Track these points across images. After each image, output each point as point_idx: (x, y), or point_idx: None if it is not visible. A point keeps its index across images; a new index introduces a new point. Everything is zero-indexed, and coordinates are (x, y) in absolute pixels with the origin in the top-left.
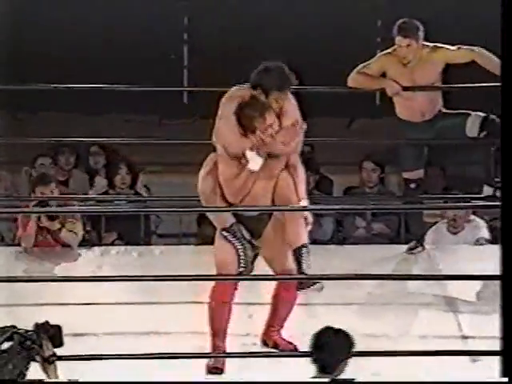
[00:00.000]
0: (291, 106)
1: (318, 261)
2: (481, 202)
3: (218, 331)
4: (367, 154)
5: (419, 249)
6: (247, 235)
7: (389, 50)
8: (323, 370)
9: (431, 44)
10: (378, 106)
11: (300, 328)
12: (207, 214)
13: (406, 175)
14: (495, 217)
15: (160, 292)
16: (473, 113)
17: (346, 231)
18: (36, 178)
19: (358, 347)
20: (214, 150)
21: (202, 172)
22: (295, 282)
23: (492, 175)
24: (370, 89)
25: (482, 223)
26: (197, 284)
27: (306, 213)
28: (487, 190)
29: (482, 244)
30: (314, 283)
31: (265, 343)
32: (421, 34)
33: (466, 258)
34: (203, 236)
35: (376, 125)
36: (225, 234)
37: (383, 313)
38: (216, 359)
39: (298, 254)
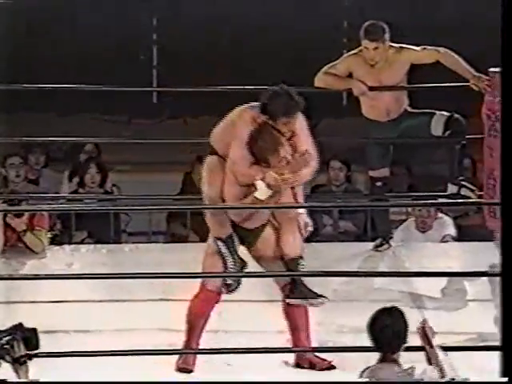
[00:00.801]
0: (302, 129)
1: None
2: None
3: (193, 338)
4: (334, 153)
5: (385, 246)
6: (238, 250)
7: (355, 51)
8: (385, 349)
9: (397, 45)
10: (345, 105)
11: (271, 325)
12: (207, 218)
13: (372, 174)
14: (460, 215)
15: (130, 289)
16: (437, 112)
17: (313, 229)
18: None
19: (325, 342)
20: (212, 152)
21: (207, 177)
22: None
23: (456, 174)
24: (337, 89)
25: (448, 221)
26: (166, 282)
27: (302, 223)
28: (452, 189)
29: (448, 241)
30: (317, 297)
31: (299, 365)
32: (387, 35)
33: (433, 255)
34: (172, 234)
35: (343, 124)
36: (219, 243)
37: (350, 309)
38: (186, 359)
39: (294, 265)
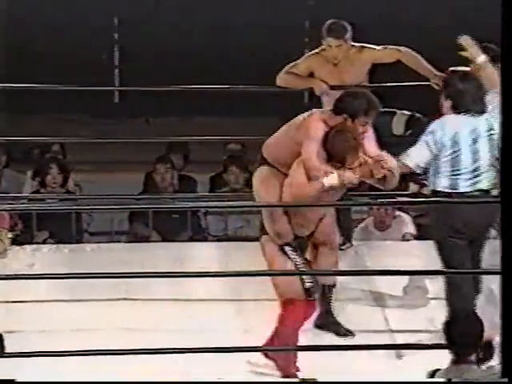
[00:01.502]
0: (371, 132)
1: (247, 257)
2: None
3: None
4: None
5: (347, 245)
6: (304, 251)
7: (316, 50)
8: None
9: (358, 44)
10: (307, 105)
11: (232, 324)
12: (268, 227)
13: None
14: (420, 214)
15: (92, 289)
16: (398, 111)
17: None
18: None
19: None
20: (263, 163)
21: (262, 188)
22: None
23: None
24: (299, 88)
25: (407, 219)
26: (129, 281)
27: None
28: (413, 187)
29: (408, 239)
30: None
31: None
32: (349, 34)
33: (393, 253)
34: (135, 234)
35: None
36: (287, 248)
37: None
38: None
39: (325, 293)
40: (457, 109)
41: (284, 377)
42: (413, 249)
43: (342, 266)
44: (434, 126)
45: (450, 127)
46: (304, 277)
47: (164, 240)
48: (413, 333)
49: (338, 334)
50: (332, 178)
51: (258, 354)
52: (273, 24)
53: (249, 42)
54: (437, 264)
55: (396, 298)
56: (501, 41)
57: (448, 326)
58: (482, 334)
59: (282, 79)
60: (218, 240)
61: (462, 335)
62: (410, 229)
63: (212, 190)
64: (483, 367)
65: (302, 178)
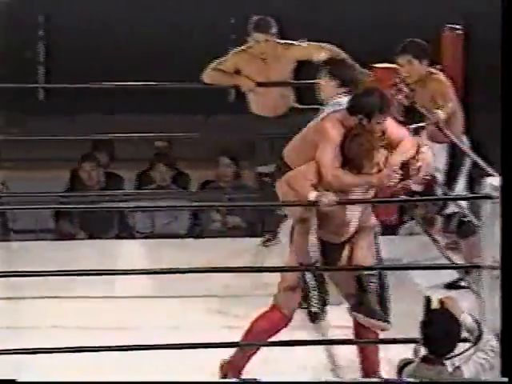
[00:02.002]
0: (392, 125)
1: (175, 254)
2: None
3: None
4: (223, 149)
5: (274, 241)
6: (325, 281)
7: (243, 47)
8: (434, 351)
9: (283, 41)
10: (233, 102)
11: (160, 320)
12: (295, 241)
13: (260, 170)
14: None
15: (16, 287)
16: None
17: (203, 225)
18: None
19: (216, 338)
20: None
21: (290, 194)
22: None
23: None
24: (225, 85)
25: None
26: (51, 279)
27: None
28: None
29: None
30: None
31: None
32: (275, 30)
33: None
34: (60, 232)
35: (231, 121)
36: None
37: (239, 304)
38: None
39: (362, 281)
40: None
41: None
42: None
43: (268, 262)
44: None
45: None
46: (312, 300)
47: (90, 238)
48: (341, 328)
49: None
50: (312, 195)
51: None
52: (199, 21)
53: (174, 38)
54: None
55: None
56: (501, 41)
57: (425, 325)
58: (458, 336)
59: (208, 76)
60: (146, 237)
61: (437, 335)
62: None
63: (139, 188)
64: (450, 368)
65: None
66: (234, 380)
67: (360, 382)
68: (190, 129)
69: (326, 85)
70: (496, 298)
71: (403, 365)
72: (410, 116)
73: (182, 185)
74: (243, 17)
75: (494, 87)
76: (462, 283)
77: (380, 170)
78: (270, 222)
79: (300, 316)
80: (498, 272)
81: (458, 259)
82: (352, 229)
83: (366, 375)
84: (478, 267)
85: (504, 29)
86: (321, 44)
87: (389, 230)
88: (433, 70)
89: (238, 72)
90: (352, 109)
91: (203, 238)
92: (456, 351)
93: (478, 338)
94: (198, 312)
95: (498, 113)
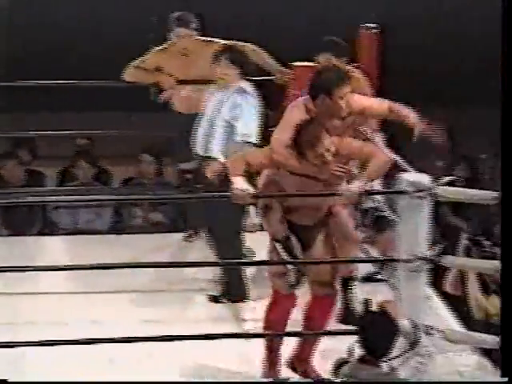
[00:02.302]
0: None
1: (98, 250)
2: None
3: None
4: (145, 146)
5: (195, 237)
6: (298, 250)
7: (164, 45)
8: (372, 352)
9: (203, 38)
10: (153, 100)
11: (90, 316)
12: (262, 221)
13: (182, 166)
14: None
15: None
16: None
17: (124, 221)
18: None
19: (135, 333)
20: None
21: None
22: (331, 306)
23: None
24: (147, 83)
25: (253, 210)
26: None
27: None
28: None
29: (253, 231)
30: None
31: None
32: (195, 25)
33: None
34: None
35: (153, 118)
36: (276, 244)
37: (161, 299)
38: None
39: (346, 285)
40: None
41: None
42: (259, 239)
43: (190, 258)
44: None
45: None
46: (288, 272)
47: (13, 235)
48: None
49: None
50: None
51: None
52: (120, 19)
53: (96, 36)
54: None
55: None
56: (501, 41)
57: (363, 326)
58: (395, 338)
59: (129, 74)
60: (68, 234)
61: (375, 337)
62: (255, 220)
63: (61, 185)
64: (386, 369)
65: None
66: (234, 381)
67: (357, 382)
68: (112, 126)
69: (226, 72)
70: (413, 291)
71: (339, 364)
72: None
73: (104, 182)
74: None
75: (407, 85)
76: (378, 276)
77: (324, 162)
78: (193, 217)
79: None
80: (413, 265)
81: (374, 253)
82: (322, 212)
83: (294, 363)
84: (394, 261)
85: (504, 29)
86: (241, 43)
87: None
88: (351, 69)
89: (159, 69)
90: (312, 92)
91: (126, 234)
92: (393, 354)
93: (415, 342)
94: (122, 306)
95: (409, 105)
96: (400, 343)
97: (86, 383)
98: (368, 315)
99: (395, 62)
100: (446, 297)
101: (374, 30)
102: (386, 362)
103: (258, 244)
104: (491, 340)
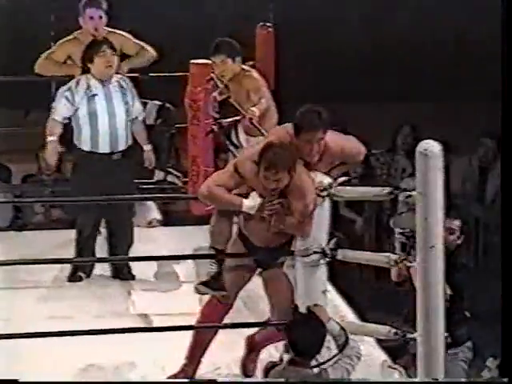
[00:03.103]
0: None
1: None
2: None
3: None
4: (43, 143)
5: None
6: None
7: (71, 36)
8: (304, 355)
9: (111, 29)
10: (52, 94)
11: None
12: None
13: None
14: (167, 202)
15: None
16: (150, 101)
17: (25, 217)
18: None
19: (41, 328)
20: None
21: None
22: None
23: (165, 161)
24: (58, 74)
25: (152, 205)
26: None
27: None
28: (159, 175)
29: (154, 226)
30: None
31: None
32: (107, 9)
33: (143, 239)
34: None
35: None
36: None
37: (66, 294)
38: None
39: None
40: None
41: None
42: (160, 234)
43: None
44: None
45: None
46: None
47: None
48: (169, 316)
49: None
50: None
51: None
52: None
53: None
54: (183, 249)
55: (149, 283)
56: (501, 41)
57: (290, 327)
58: (323, 340)
59: (41, 66)
60: None
61: (303, 338)
62: (156, 215)
63: None
64: (310, 371)
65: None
66: (236, 380)
67: (361, 383)
68: (11, 123)
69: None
70: (310, 285)
71: (269, 368)
72: (225, 111)
73: (4, 178)
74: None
75: (303, 83)
76: None
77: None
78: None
79: None
80: (310, 259)
81: None
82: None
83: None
84: (292, 254)
85: (504, 29)
86: (141, 43)
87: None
88: (246, 68)
89: (70, 60)
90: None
91: (26, 230)
92: (324, 357)
93: (344, 344)
94: (27, 303)
95: (306, 102)
96: (329, 346)
97: (87, 383)
98: (296, 318)
99: (291, 60)
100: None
101: (271, 29)
102: (317, 366)
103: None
104: (383, 330)
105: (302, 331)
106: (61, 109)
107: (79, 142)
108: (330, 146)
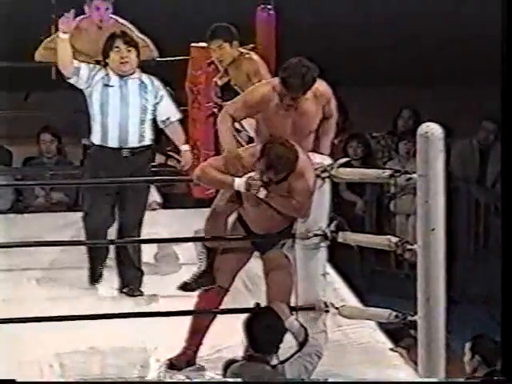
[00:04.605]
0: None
1: None
2: None
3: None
4: (44, 125)
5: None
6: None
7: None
8: (262, 351)
9: (114, 17)
10: (54, 79)
11: None
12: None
13: (84, 141)
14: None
15: None
16: None
17: (26, 200)
18: None
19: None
20: None
21: None
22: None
23: (165, 145)
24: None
25: (152, 188)
26: None
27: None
28: (159, 158)
29: (154, 208)
30: None
31: None
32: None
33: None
34: None
35: (52, 98)
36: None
37: (66, 276)
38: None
39: None
40: None
41: None
42: (161, 217)
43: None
44: None
45: None
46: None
47: None
48: (175, 298)
49: None
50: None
51: None
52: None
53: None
54: (182, 232)
55: (149, 265)
56: (501, 41)
57: (248, 322)
58: (281, 335)
59: (40, 54)
60: None
61: (261, 333)
62: (156, 197)
63: None
64: (268, 367)
65: None
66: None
67: (361, 383)
68: (11, 105)
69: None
70: (310, 268)
71: (228, 364)
72: (227, 95)
73: (5, 162)
74: None
75: None
76: None
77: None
78: None
79: None
80: (310, 242)
81: None
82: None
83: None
84: (292, 237)
85: (504, 29)
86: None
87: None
88: (244, 51)
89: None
90: None
91: (27, 213)
92: (284, 356)
93: (304, 342)
94: (25, 284)
95: None
96: (289, 343)
97: (87, 383)
98: (254, 313)
99: (292, 43)
100: None
101: (271, 12)
102: (277, 364)
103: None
104: (384, 313)
105: (260, 327)
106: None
107: (92, 133)
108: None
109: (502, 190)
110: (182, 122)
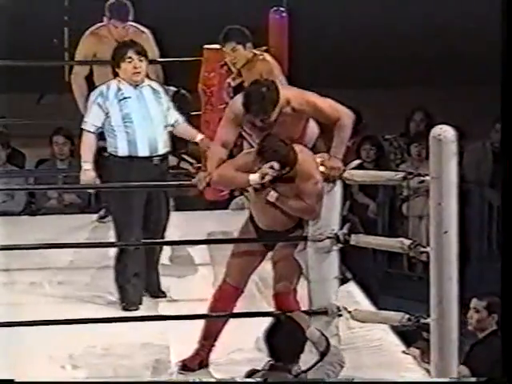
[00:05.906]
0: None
1: (12, 231)
2: None
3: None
4: (58, 127)
5: (109, 217)
6: None
7: (92, 29)
8: (284, 360)
9: (133, 25)
10: (68, 82)
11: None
12: None
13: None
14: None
15: None
16: (165, 87)
17: (39, 202)
18: None
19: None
20: None
21: None
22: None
23: (177, 147)
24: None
25: None
26: None
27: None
28: (172, 161)
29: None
30: None
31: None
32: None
33: None
34: None
35: (65, 99)
36: None
37: (81, 278)
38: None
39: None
40: None
41: None
42: (173, 219)
43: (104, 238)
44: None
45: None
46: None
47: None
48: (189, 301)
49: None
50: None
51: None
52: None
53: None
54: (196, 234)
55: (165, 266)
56: (501, 41)
57: (269, 332)
58: (302, 345)
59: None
60: None
61: (282, 343)
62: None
63: None
64: (290, 377)
65: None
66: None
67: (360, 383)
68: (24, 107)
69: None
70: (323, 271)
71: (249, 374)
72: None
73: (18, 163)
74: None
75: (316, 66)
76: None
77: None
78: (104, 197)
79: None
80: (323, 245)
81: None
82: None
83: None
84: (305, 240)
85: (504, 29)
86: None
87: (221, 204)
88: (257, 52)
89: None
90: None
91: (39, 215)
92: (306, 366)
93: (325, 352)
94: (40, 287)
95: (319, 88)
96: (311, 354)
97: (87, 383)
98: (275, 323)
99: (305, 45)
100: None
101: (284, 14)
102: (299, 373)
103: None
104: (397, 316)
105: (281, 336)
106: (93, 118)
107: (115, 149)
108: (293, 104)
109: (502, 190)
110: (195, 124)
